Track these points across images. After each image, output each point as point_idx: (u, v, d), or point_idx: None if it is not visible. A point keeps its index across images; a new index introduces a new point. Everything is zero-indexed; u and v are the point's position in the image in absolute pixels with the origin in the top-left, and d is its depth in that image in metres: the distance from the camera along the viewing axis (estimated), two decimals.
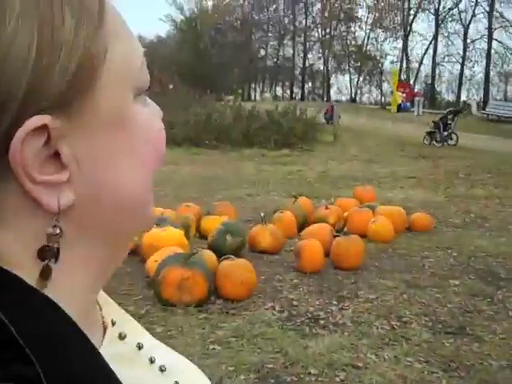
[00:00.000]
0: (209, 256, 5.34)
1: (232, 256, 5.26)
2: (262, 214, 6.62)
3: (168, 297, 4.70)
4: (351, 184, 10.80)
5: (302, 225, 7.19)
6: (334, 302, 4.98)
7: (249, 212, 8.34)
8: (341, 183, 11.12)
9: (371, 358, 3.95)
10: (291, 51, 74.56)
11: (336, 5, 68.57)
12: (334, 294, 5.20)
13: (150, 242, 5.66)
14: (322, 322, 4.57)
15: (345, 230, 6.74)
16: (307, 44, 71.87)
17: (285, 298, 5.05)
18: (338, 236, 6.19)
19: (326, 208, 7.58)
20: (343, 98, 70.84)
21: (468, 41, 61.19)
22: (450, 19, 62.73)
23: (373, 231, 7.01)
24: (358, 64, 68.47)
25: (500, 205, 9.65)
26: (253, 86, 79.06)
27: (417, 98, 44.75)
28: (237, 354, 3.95)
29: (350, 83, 71.46)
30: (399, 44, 65.44)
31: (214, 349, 4.03)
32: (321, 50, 71.36)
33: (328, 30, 69.76)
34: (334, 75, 72.99)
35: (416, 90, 54.08)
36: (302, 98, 65.42)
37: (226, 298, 4.93)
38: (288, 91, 75.84)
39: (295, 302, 4.96)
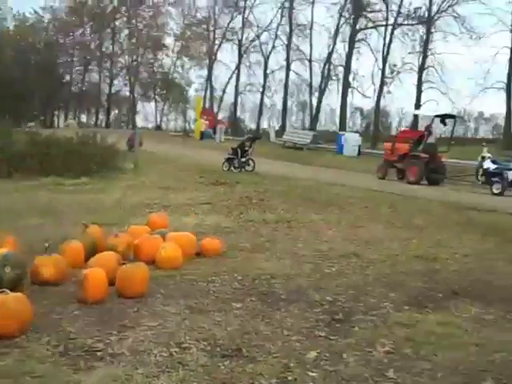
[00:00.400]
0: None
1: (6, 290, 4.94)
2: (47, 244, 6.32)
3: None
4: (147, 211, 10.74)
5: (92, 254, 6.97)
6: (114, 332, 4.84)
7: (36, 242, 7.93)
8: (137, 211, 11.01)
9: None
10: (97, 77, 73.28)
11: (144, 32, 68.69)
12: (115, 323, 5.06)
13: None
14: (99, 353, 4.41)
15: (131, 257, 6.64)
16: (114, 70, 71.04)
17: (62, 331, 4.81)
18: (124, 264, 6.08)
19: (116, 236, 7.43)
20: (149, 125, 70.84)
21: (268, 71, 64.31)
22: (252, 50, 65.55)
23: (161, 257, 6.98)
24: (164, 91, 68.94)
25: (288, 228, 10.11)
26: (56, 112, 76.49)
27: (219, 126, 45.98)
28: None
29: (156, 110, 71.73)
30: (204, 72, 67.05)
31: None
32: (127, 77, 70.90)
33: (135, 57, 69.56)
34: (140, 102, 72.76)
35: (219, 118, 55.59)
36: (107, 125, 64.44)
37: None
38: (94, 118, 74.39)
39: (73, 335, 4.74)
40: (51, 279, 6.10)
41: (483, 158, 21.04)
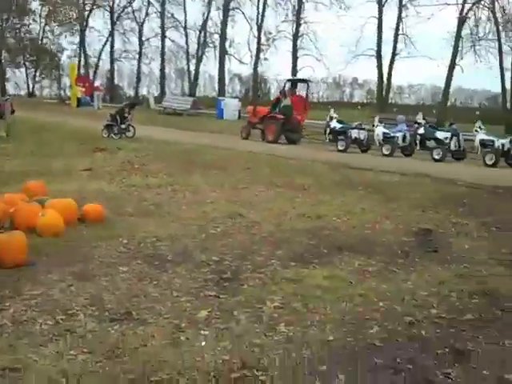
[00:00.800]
0: None
1: None
2: None
3: None
4: (23, 179, 10.23)
5: None
6: None
7: None
8: (11, 179, 10.45)
9: (31, 358, 3.70)
10: None
11: None
12: None
13: None
14: None
15: (5, 224, 6.31)
16: None
17: None
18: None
19: None
20: (22, 93, 67.55)
21: (143, 38, 62.83)
22: (125, 17, 63.72)
23: (41, 225, 6.70)
24: (35, 58, 65.73)
25: (172, 191, 9.99)
26: None
27: (96, 93, 44.65)
28: None
29: (27, 77, 68.46)
30: (76, 39, 64.52)
31: None
32: None
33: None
34: (9, 69, 69.05)
35: (96, 85, 53.93)
36: None
37: None
38: None
39: None
40: None
41: (331, 119, 22.34)
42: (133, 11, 62.90)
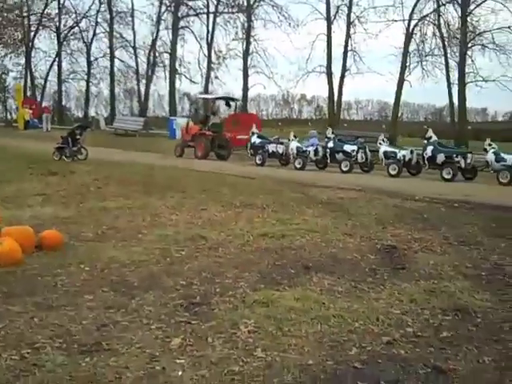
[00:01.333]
0: None
1: None
2: None
3: None
4: None
5: None
6: None
7: None
8: None
9: None
10: None
11: None
12: None
13: None
14: None
15: None
16: None
17: None
18: None
19: None
20: None
21: (92, 59, 62.34)
22: (72, 37, 63.14)
23: None
24: None
25: (130, 215, 9.78)
26: None
27: (45, 115, 43.98)
28: None
29: None
30: (22, 60, 63.49)
31: None
32: None
33: None
34: None
35: (43, 106, 53.12)
36: None
37: None
38: None
39: None
40: None
41: (253, 134, 23.58)
42: (80, 31, 62.40)
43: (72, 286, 5.78)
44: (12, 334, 4.50)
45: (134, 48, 60.14)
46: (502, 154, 17.70)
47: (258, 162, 22.01)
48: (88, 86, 63.42)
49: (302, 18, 66.28)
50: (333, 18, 49.14)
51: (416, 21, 45.18)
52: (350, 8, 48.11)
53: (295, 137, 22.08)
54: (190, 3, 56.43)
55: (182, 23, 56.40)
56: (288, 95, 70.45)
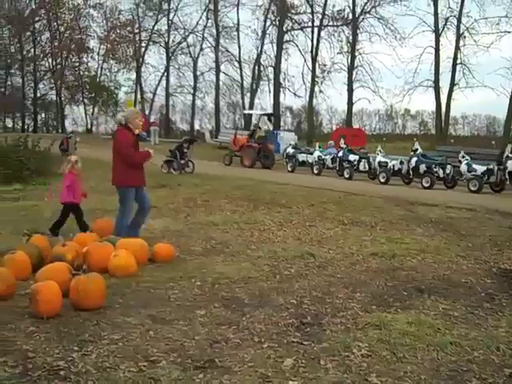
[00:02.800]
0: None
1: None
2: None
3: None
4: (91, 217, 10.30)
5: (38, 265, 6.58)
6: (76, 348, 4.53)
7: None
8: None
9: None
10: (20, 81, 70.98)
11: (66, 35, 66.92)
12: (74, 338, 4.74)
13: None
14: (62, 372, 4.09)
15: (84, 267, 6.29)
16: (37, 74, 68.98)
17: (19, 350, 4.46)
18: (76, 274, 5.76)
19: (64, 245, 7.05)
20: (79, 129, 69.10)
21: (198, 73, 63.80)
22: (180, 52, 64.90)
23: (114, 266, 6.67)
24: (93, 95, 67.39)
25: (239, 229, 9.88)
26: None
27: (152, 128, 45.33)
28: None
29: (86, 114, 70.11)
30: (133, 75, 65.95)
31: None
32: (52, 81, 69.00)
33: (59, 60, 67.74)
34: (68, 106, 70.96)
35: (152, 120, 54.85)
36: (35, 130, 62.56)
37: None
38: (20, 123, 72.05)
39: (31, 354, 4.40)
40: None
41: (290, 145, 26.37)
42: (187, 46, 64.03)
43: (184, 300, 5.89)
44: (129, 346, 4.62)
45: (239, 62, 61.12)
46: (474, 165, 19.32)
47: (289, 168, 23.98)
48: (194, 100, 64.97)
49: (409, 31, 65.30)
50: (441, 29, 47.96)
51: None
52: (459, 19, 46.75)
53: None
54: (295, 17, 56.74)
55: (286, 37, 56.77)
56: (392, 110, 69.27)
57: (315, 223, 10.61)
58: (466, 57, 47.41)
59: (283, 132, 41.63)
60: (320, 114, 72.33)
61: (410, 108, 76.79)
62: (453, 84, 47.13)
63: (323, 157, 24.04)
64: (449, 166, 19.65)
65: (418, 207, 12.72)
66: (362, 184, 19.46)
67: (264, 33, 58.02)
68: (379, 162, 21.56)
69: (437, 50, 47.67)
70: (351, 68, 52.82)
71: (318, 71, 55.27)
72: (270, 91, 58.74)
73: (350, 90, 52.54)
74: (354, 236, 9.43)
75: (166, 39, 64.03)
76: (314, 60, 55.20)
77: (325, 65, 55.51)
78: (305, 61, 56.56)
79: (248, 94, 61.17)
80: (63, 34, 66.54)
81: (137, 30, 64.34)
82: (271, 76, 58.24)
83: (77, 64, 68.39)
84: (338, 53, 54.77)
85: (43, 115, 76.21)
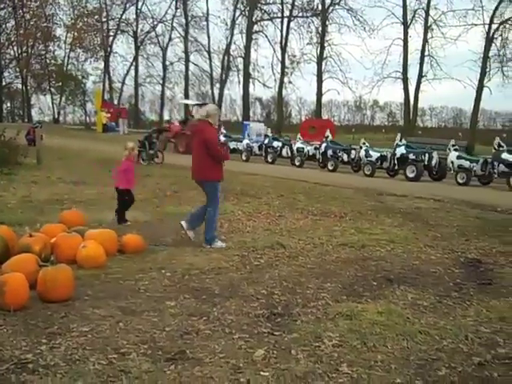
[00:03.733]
0: None
1: None
2: None
3: None
4: (58, 208, 10.19)
5: (4, 256, 6.44)
6: (44, 341, 4.46)
7: None
8: (46, 208, 10.41)
9: None
10: None
11: (32, 22, 65.86)
12: (43, 331, 4.67)
13: None
14: (30, 366, 4.03)
15: (52, 258, 6.19)
16: (2, 62, 67.86)
17: None
18: (44, 266, 5.67)
19: (30, 236, 6.93)
20: (46, 119, 68.22)
21: (167, 63, 63.44)
22: (148, 42, 64.44)
23: (83, 257, 6.59)
24: (60, 84, 66.52)
25: None
26: None
27: (121, 119, 45.01)
28: None
29: (52, 103, 69.19)
30: (101, 64, 65.29)
31: None
32: (18, 69, 67.93)
33: (25, 49, 66.69)
34: (34, 95, 69.96)
35: (121, 107, 54.35)
36: (0, 119, 61.61)
37: None
38: None
39: None
40: None
41: (221, 133, 27.41)
42: (156, 36, 63.70)
43: (154, 291, 5.84)
44: (99, 338, 4.57)
45: (209, 52, 60.99)
46: (370, 152, 21.14)
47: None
48: (163, 90, 64.61)
49: (378, 23, 65.65)
50: (409, 21, 48.47)
51: (497, 25, 43.99)
52: (427, 12, 47.27)
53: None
54: (265, 7, 56.78)
55: (255, 27, 56.77)
56: (361, 101, 69.73)
57: (284, 213, 10.62)
58: (434, 49, 48.17)
59: (252, 123, 41.62)
60: (289, 104, 72.62)
61: (378, 99, 77.56)
62: (421, 76, 47.73)
63: (251, 144, 26.96)
64: (353, 152, 22.16)
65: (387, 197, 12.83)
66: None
67: (233, 23, 58.01)
68: (297, 148, 24.50)
69: (405, 41, 48.19)
70: (320, 59, 53.07)
71: (287, 62, 55.51)
72: (239, 82, 58.85)
73: (320, 81, 52.81)
74: (323, 226, 9.44)
75: (135, 28, 63.61)
76: (283, 51, 55.36)
77: (294, 56, 55.74)
78: (274, 51, 56.70)
79: (217, 85, 61.13)
80: (29, 21, 65.58)
81: (104, 19, 63.76)
82: (241, 67, 58.31)
83: (43, 52, 67.53)
84: (307, 44, 55.12)
85: (8, 104, 75.09)
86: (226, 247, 7.88)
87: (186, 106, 40.43)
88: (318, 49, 53.70)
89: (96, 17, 63.29)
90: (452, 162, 19.45)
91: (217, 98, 60.45)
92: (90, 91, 64.59)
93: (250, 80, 57.24)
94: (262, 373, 4.01)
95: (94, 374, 3.92)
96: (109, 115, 48.48)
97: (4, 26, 66.99)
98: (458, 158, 19.40)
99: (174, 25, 62.11)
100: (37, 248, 6.62)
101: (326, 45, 53.49)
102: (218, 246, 7.97)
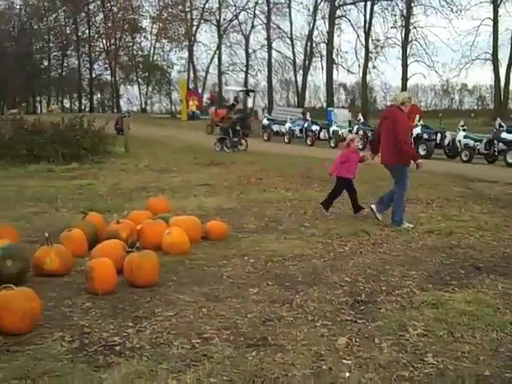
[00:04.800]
0: None
1: (11, 285, 4.62)
2: (47, 234, 6.02)
3: None
4: (145, 195, 10.43)
5: (94, 242, 6.65)
6: (130, 324, 4.57)
7: (34, 232, 7.63)
8: (134, 195, 10.69)
9: None
10: (75, 62, 72.15)
11: (119, 15, 67.53)
12: (129, 314, 4.79)
13: None
14: (117, 348, 4.14)
15: (137, 244, 6.33)
16: (92, 54, 69.97)
17: (75, 326, 4.53)
18: (130, 252, 5.80)
19: (118, 222, 7.12)
20: (134, 108, 69.94)
21: (250, 50, 63.52)
22: (231, 30, 64.67)
23: (168, 243, 6.70)
24: (146, 74, 67.97)
25: (292, 207, 9.82)
26: (38, 98, 75.35)
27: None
28: None
29: (140, 93, 70.82)
30: (185, 54, 66.14)
31: None
32: (107, 61, 69.87)
33: (113, 41, 68.47)
34: (122, 85, 71.84)
35: (211, 95, 55.00)
36: (91, 110, 63.65)
37: (6, 333, 4.31)
38: (77, 103, 73.40)
39: (87, 329, 4.46)
40: (56, 270, 5.82)
41: (265, 117, 31.27)
42: (239, 24, 63.91)
43: (237, 277, 5.87)
44: (182, 322, 4.64)
45: (291, 39, 60.68)
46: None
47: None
48: (246, 78, 64.85)
49: (466, 3, 63.48)
50: (499, 0, 46.51)
51: None
52: None
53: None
54: None
55: (338, 12, 55.97)
56: (448, 85, 67.69)
57: (368, 200, 10.45)
58: None
59: (337, 109, 41.22)
60: (374, 90, 71.36)
61: (467, 83, 74.87)
62: None
63: (293, 128, 28.35)
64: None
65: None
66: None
67: (316, 8, 57.40)
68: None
69: (495, 21, 46.30)
70: (405, 42, 51.83)
71: (371, 46, 54.48)
72: (322, 68, 58.28)
73: (405, 65, 51.63)
74: (409, 213, 9.23)
75: (218, 17, 64.00)
76: (367, 35, 54.38)
77: (378, 40, 54.62)
78: (358, 36, 55.78)
79: (300, 71, 60.76)
80: (116, 14, 67.24)
81: (188, 9, 64.48)
82: (324, 52, 57.70)
83: (130, 44, 69.20)
84: (391, 27, 53.81)
85: (99, 95, 77.40)
86: (309, 234, 7.83)
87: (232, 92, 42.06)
88: (403, 32, 52.43)
89: (180, 7, 64.14)
90: (459, 141, 21.02)
91: (300, 85, 60.18)
92: (175, 81, 65.77)
93: (334, 66, 56.60)
94: (344, 361, 3.96)
95: (177, 358, 3.98)
96: (196, 103, 49.18)
97: (94, 19, 69.07)
98: (465, 137, 20.83)
99: (257, 12, 62.15)
100: (124, 234, 6.80)
101: (411, 28, 52.17)
102: (405, 226, 8.19)
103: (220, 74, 65.40)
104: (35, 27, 69.99)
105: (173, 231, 6.87)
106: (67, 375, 3.69)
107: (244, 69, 64.60)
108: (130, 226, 7.08)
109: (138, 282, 5.49)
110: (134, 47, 69.30)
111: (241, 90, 37.05)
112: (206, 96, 62.11)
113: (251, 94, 39.55)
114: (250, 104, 38.73)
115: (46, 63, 72.61)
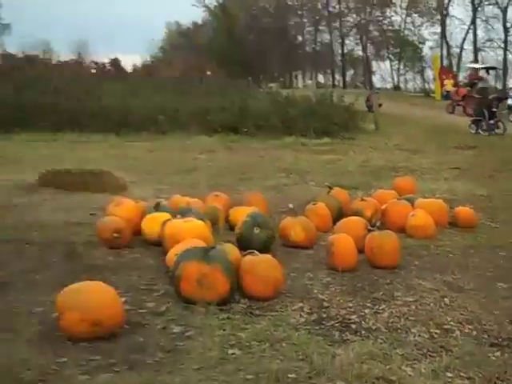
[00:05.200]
0: (231, 250, 4.93)
1: (255, 251, 4.84)
2: (291, 206, 6.22)
3: (187, 294, 4.32)
4: (393, 175, 10.30)
5: (337, 217, 6.72)
6: (368, 305, 4.53)
7: (283, 203, 7.93)
8: (381, 174, 10.61)
9: (406, 371, 3.49)
10: (328, 37, 73.13)
11: None
12: (368, 295, 4.75)
13: (171, 234, 5.32)
14: (353, 326, 4.13)
15: (378, 223, 6.26)
16: (343, 29, 70.35)
17: (315, 299, 4.62)
18: (371, 231, 5.75)
19: (362, 200, 7.12)
20: (388, 86, 69.28)
21: (508, 25, 58.82)
22: (486, 3, 60.28)
23: (412, 226, 6.54)
24: (398, 50, 66.71)
25: None
26: (294, 73, 78.06)
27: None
28: (258, 361, 3.55)
29: (391, 70, 69.86)
30: (437, 29, 63.42)
31: (233, 353, 3.63)
32: (358, 36, 69.85)
33: (363, 15, 68.17)
34: (374, 62, 71.49)
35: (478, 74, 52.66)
36: (344, 86, 64.39)
37: (250, 297, 4.55)
38: (330, 78, 74.77)
39: (326, 303, 4.52)
40: (300, 243, 5.99)
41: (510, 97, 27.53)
42: None
43: (485, 270, 5.53)
44: (422, 310, 4.49)
45: None
46: None
47: None
48: (505, 55, 60.47)
49: None
50: None
51: None
52: None
53: None
54: None
55: None
56: None
57: None
58: None
59: None
60: None
61: None
62: None
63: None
64: None
65: None
66: None
67: None
68: None
69: None
70: None
71: None
72: None
73: None
74: None
75: None
76: None
77: None
78: None
79: None
80: None
81: None
82: None
83: (380, 18, 68.26)
84: None
85: (351, 71, 77.96)
86: None
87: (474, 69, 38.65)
88: None
89: None
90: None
91: None
92: (427, 57, 63.68)
93: None
94: None
95: (413, 346, 3.85)
96: (452, 81, 47.32)
97: None
98: None
99: None
100: (368, 213, 6.78)
101: None
102: None
103: (476, 50, 61.80)
104: (289, 3, 72.34)
105: (417, 213, 6.69)
106: (303, 345, 3.75)
107: (502, 45, 60.33)
108: (375, 205, 7.04)
109: (378, 262, 5.43)
110: (384, 22, 68.36)
111: (481, 68, 35.07)
112: (462, 75, 59.36)
113: (491, 71, 37.61)
114: (491, 82, 36.81)
115: (300, 39, 74.84)
